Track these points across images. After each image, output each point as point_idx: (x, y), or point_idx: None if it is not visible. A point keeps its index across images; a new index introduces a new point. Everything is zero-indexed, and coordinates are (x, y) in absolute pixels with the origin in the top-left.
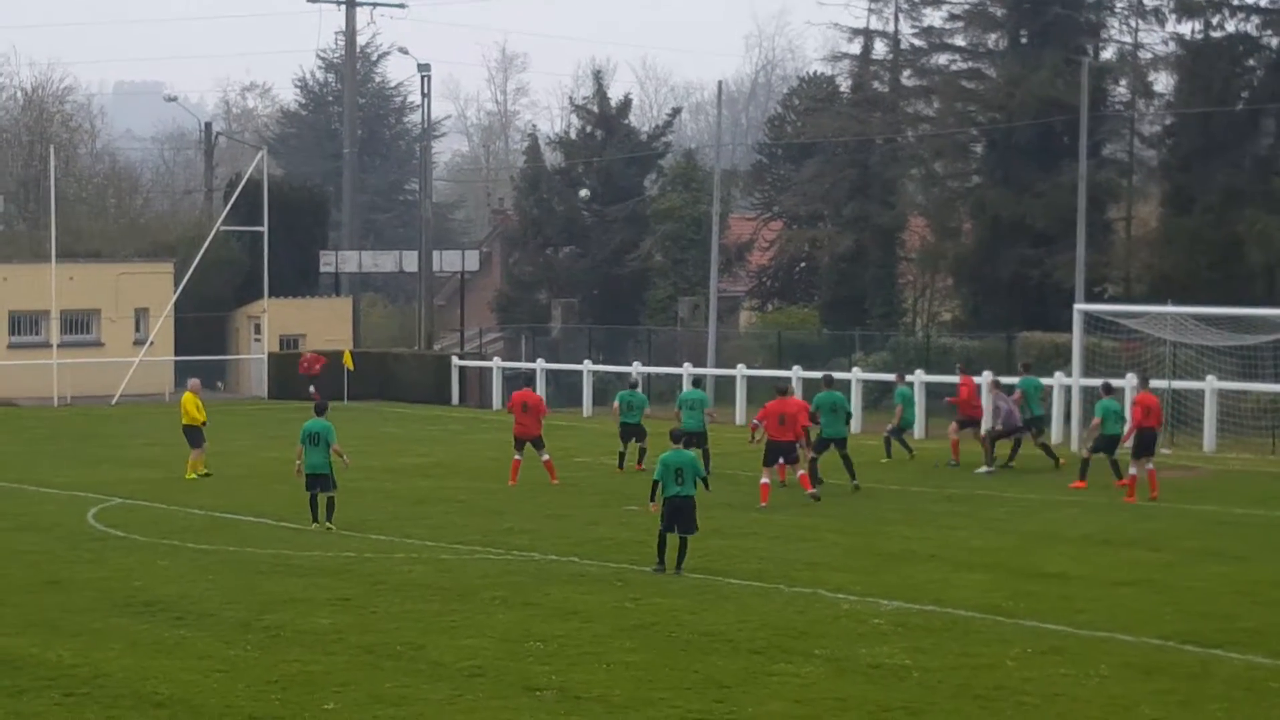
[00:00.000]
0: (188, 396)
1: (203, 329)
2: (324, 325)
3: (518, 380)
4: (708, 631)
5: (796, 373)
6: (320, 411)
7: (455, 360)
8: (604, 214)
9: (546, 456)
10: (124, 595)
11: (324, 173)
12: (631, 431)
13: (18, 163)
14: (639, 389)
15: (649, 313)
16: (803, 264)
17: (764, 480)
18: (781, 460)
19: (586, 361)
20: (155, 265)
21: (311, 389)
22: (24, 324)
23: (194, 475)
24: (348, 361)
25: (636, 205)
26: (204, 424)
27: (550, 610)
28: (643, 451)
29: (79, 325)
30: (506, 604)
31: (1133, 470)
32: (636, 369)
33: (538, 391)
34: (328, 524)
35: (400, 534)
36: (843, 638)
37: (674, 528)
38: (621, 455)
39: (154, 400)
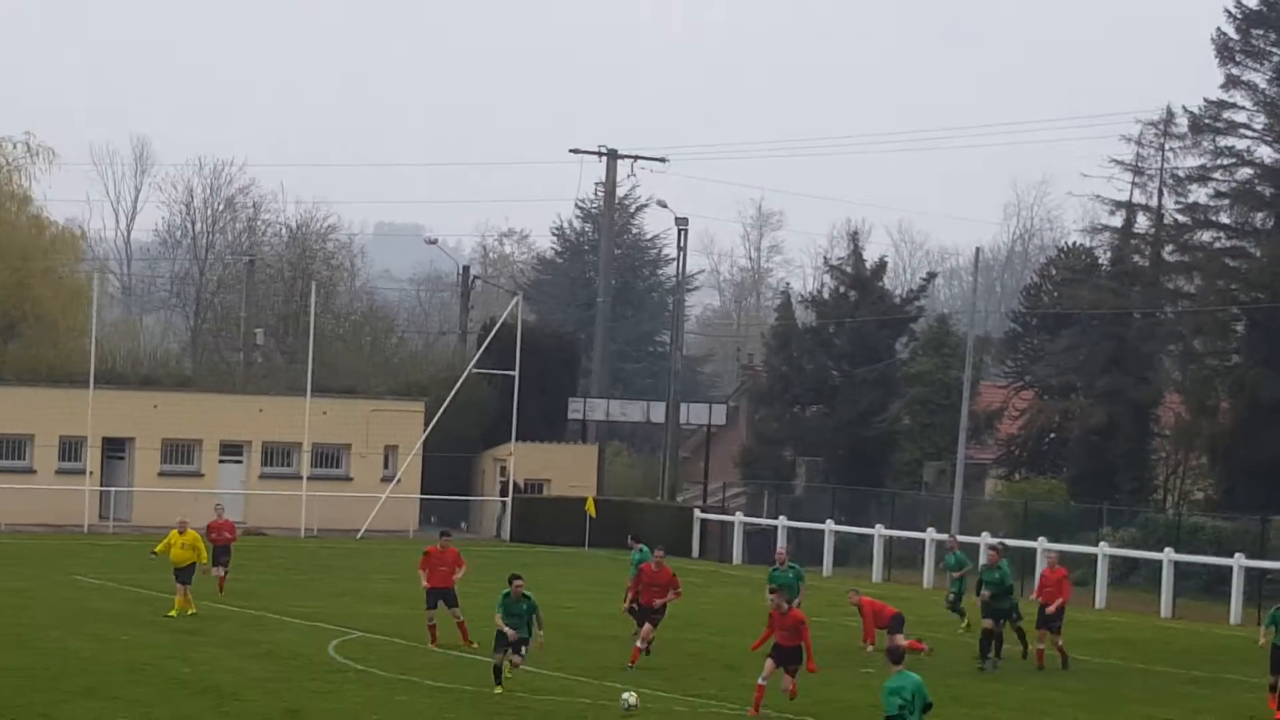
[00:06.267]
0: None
1: (449, 468)
2: (568, 471)
3: (759, 535)
4: None
5: (1041, 544)
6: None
7: (698, 512)
8: (853, 375)
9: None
10: None
11: (576, 320)
12: None
13: (279, 298)
14: (786, 565)
15: (894, 475)
16: (1052, 435)
17: None
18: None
19: (829, 521)
20: (406, 404)
21: (214, 570)
22: (276, 455)
23: (175, 613)
24: (590, 509)
25: (886, 368)
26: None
27: None
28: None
29: (329, 459)
30: None
31: None
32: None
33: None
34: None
35: (635, 683)
36: None
37: None
38: None
39: (399, 536)
